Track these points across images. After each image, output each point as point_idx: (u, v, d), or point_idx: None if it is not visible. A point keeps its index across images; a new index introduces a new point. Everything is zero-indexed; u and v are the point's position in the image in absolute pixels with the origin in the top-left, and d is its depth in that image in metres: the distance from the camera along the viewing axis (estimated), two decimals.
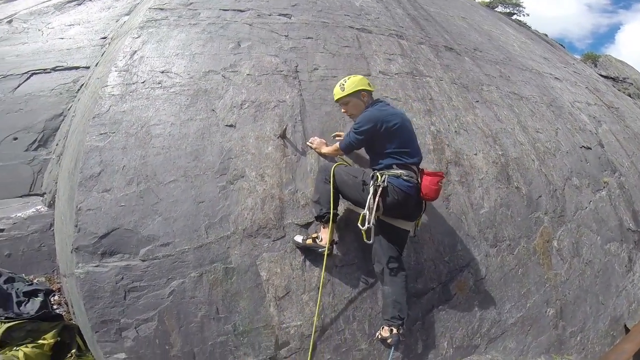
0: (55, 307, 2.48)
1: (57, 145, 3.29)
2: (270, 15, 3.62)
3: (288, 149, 2.77)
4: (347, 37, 3.91)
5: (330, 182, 2.29)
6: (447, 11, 6.53)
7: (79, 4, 4.46)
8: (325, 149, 2.75)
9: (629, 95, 10.85)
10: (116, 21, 4.10)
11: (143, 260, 2.02)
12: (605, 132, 5.89)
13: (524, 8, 13.36)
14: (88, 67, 3.69)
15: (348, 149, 2.54)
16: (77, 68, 3.71)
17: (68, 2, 4.53)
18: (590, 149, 5.07)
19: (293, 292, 2.25)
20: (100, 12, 4.30)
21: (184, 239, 2.17)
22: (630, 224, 4.77)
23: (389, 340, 2.16)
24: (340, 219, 2.61)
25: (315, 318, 2.13)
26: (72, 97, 3.53)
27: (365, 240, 2.15)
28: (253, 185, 2.51)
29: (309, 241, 2.30)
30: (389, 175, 2.23)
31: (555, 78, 6.55)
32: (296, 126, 2.90)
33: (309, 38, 3.58)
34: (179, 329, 1.96)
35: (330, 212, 2.26)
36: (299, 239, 2.35)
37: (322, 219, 2.31)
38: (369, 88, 2.52)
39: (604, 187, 4.77)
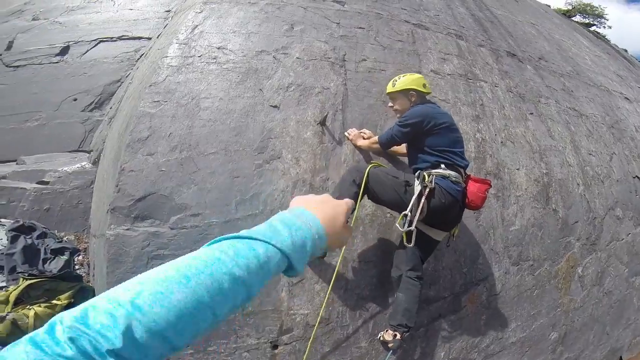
0: (77, 267, 2.33)
1: (111, 108, 3.24)
2: (324, 0, 3.18)
3: (326, 136, 2.52)
4: (402, 30, 3.42)
5: (359, 184, 1.94)
6: (516, 15, 5.53)
7: None
8: (361, 142, 2.44)
9: None
10: None
11: (172, 229, 1.93)
12: None
13: (607, 20, 11.00)
14: (150, 38, 3.58)
15: (389, 142, 2.16)
16: (140, 38, 3.59)
17: None
18: None
19: (307, 280, 2.08)
20: None
21: (214, 211, 2.05)
22: None
23: (390, 345, 1.95)
24: (366, 215, 2.33)
25: (322, 309, 1.93)
26: (131, 65, 3.45)
27: (406, 243, 1.84)
28: (287, 168, 2.32)
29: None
30: (436, 176, 1.88)
31: (625, 98, 5.46)
32: (336, 115, 2.62)
33: (360, 28, 3.17)
34: None
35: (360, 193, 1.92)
36: None
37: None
38: (421, 89, 2.15)
39: None
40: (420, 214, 1.81)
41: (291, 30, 2.79)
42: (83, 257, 2.42)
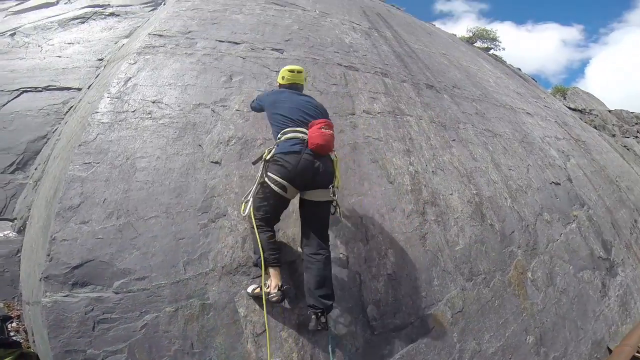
0: (12, 334, 2.38)
1: (35, 169, 3.16)
2: (263, 49, 3.66)
3: None
4: (335, 74, 4.00)
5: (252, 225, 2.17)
6: (430, 47, 6.81)
7: (83, 22, 4.42)
8: None
9: (595, 127, 11.38)
10: (115, 43, 4.08)
11: (116, 293, 1.93)
12: (573, 167, 6.10)
13: (500, 42, 14.07)
14: (80, 89, 3.59)
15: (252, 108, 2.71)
16: (68, 89, 3.59)
17: (72, 19, 4.48)
18: (560, 184, 5.22)
19: (272, 329, 2.16)
20: (102, 32, 4.26)
21: (161, 273, 2.09)
22: (601, 253, 4.87)
23: (310, 327, 2.08)
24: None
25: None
26: (59, 119, 3.40)
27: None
28: (234, 224, 2.46)
29: (257, 290, 2.18)
30: (276, 146, 2.23)
31: (527, 113, 6.82)
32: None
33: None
34: None
35: (261, 257, 2.09)
36: (249, 289, 2.23)
37: (258, 266, 2.18)
38: (280, 81, 2.64)
39: (574, 220, 4.89)
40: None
41: (230, 82, 3.10)
42: (18, 324, 2.50)
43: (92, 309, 1.85)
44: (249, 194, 2.28)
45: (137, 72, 2.94)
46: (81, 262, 1.95)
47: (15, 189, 3.09)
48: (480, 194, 3.89)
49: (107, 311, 1.87)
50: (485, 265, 3.44)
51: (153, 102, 2.80)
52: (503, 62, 11.43)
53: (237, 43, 3.52)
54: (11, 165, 3.16)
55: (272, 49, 3.72)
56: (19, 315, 2.56)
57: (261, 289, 2.12)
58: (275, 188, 2.15)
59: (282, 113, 2.33)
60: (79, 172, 2.26)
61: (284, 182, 2.14)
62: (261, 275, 2.28)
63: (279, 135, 2.27)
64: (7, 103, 3.42)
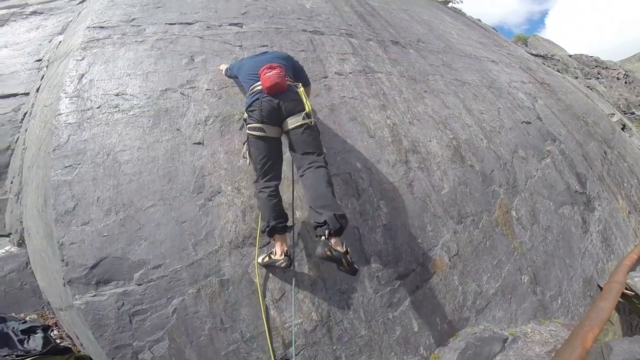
0: (58, 341, 2.62)
1: (12, 182, 3.27)
2: (220, 25, 3.87)
3: None
4: (302, 40, 4.32)
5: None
6: (390, 4, 7.27)
7: (2, 25, 4.35)
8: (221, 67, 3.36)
9: (558, 71, 12.76)
10: (49, 41, 4.08)
11: (139, 284, 2.21)
12: (541, 107, 6.95)
13: None
14: (27, 94, 3.66)
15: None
16: (15, 95, 3.65)
17: None
18: (530, 123, 6.01)
19: (288, 293, 2.57)
20: (29, 32, 4.23)
21: (174, 259, 2.39)
22: (577, 187, 5.72)
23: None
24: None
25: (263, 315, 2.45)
26: (16, 127, 3.48)
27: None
28: (231, 199, 2.78)
29: (267, 259, 2.52)
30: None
31: (492, 61, 7.57)
32: None
33: (263, 46, 3.89)
34: (191, 344, 2.17)
35: (270, 225, 2.44)
36: (260, 259, 2.57)
37: (265, 232, 2.52)
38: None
39: (547, 155, 5.70)
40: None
41: (192, 62, 3.33)
42: (59, 331, 2.74)
43: (123, 304, 2.13)
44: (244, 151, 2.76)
45: (89, 67, 3.09)
46: (96, 262, 2.20)
47: None
48: (457, 137, 4.46)
49: (136, 303, 2.16)
50: (472, 206, 4.06)
51: (117, 95, 3.00)
52: (463, 14, 12.32)
53: (189, 23, 3.71)
54: None
55: (230, 24, 3.94)
56: (56, 322, 2.82)
57: (269, 257, 2.50)
58: (256, 132, 2.60)
59: (244, 75, 2.88)
60: (62, 176, 2.45)
61: (259, 125, 2.60)
62: (268, 243, 2.70)
63: (246, 95, 2.80)
64: None
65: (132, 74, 3.16)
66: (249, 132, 2.64)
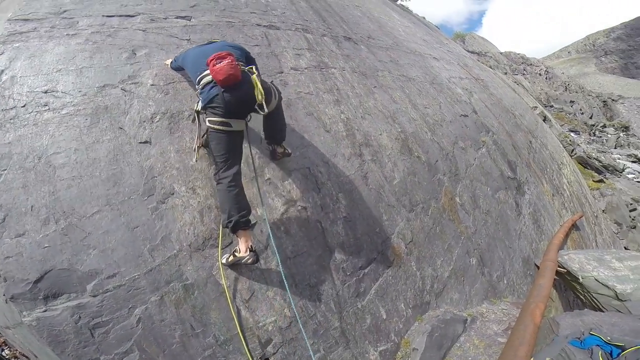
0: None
1: None
2: (166, 18, 3.69)
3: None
4: (256, 35, 4.29)
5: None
6: (344, 0, 7.53)
7: None
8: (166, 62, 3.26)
9: (490, 67, 14.18)
10: None
11: (94, 296, 2.06)
12: (476, 101, 7.67)
13: None
14: None
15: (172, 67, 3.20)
16: None
17: None
18: (467, 116, 6.61)
19: (257, 291, 2.55)
20: None
21: (129, 266, 2.25)
22: (509, 173, 6.42)
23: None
24: (278, 212, 2.99)
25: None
26: None
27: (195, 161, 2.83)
28: (186, 200, 2.69)
29: (231, 258, 2.48)
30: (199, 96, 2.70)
31: (434, 58, 8.21)
32: None
33: (214, 40, 3.78)
34: (163, 353, 2.09)
35: (232, 219, 2.43)
36: (223, 260, 2.53)
37: (226, 227, 2.50)
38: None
39: (483, 145, 6.32)
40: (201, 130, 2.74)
41: (134, 57, 3.14)
42: (10, 351, 2.65)
43: (80, 317, 1.99)
44: (195, 141, 2.75)
45: (10, 62, 2.78)
46: (40, 275, 2.01)
47: None
48: (405, 130, 4.79)
49: (95, 315, 2.02)
50: (421, 195, 4.36)
51: (45, 93, 2.73)
52: (409, 12, 13.18)
53: (131, 16, 3.48)
54: None
55: (177, 17, 3.77)
56: (4, 341, 2.67)
57: (234, 255, 2.47)
58: (220, 127, 2.55)
59: (190, 65, 2.81)
60: None
61: (223, 120, 2.54)
62: (231, 243, 2.64)
63: (196, 86, 2.73)
64: None
65: (63, 69, 2.90)
66: (211, 125, 2.57)
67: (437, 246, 4.18)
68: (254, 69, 2.71)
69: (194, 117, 2.84)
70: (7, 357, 2.50)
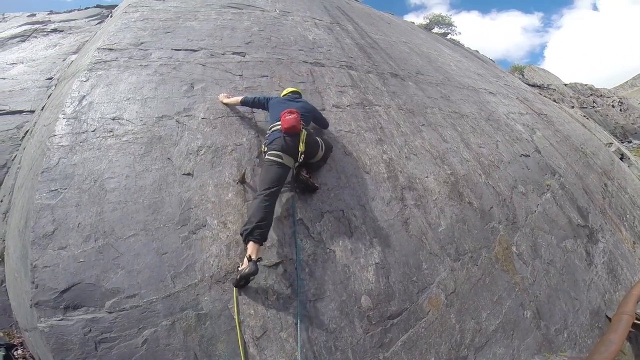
0: None
1: (1, 201, 3.20)
2: (224, 54, 3.88)
3: (248, 193, 2.96)
4: (302, 72, 4.33)
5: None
6: (391, 37, 7.39)
7: (23, 41, 4.41)
8: (227, 100, 3.38)
9: (554, 101, 12.71)
10: (63, 60, 4.11)
11: (110, 312, 2.08)
12: (539, 139, 6.82)
13: (456, 27, 15.72)
14: (33, 111, 3.61)
15: (245, 102, 3.39)
16: (20, 112, 3.59)
17: (11, 37, 4.46)
18: (529, 156, 5.85)
19: (270, 331, 2.37)
20: (46, 49, 4.27)
21: (150, 289, 2.24)
22: (579, 220, 5.48)
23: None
24: (305, 254, 2.78)
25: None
26: (16, 145, 3.41)
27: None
28: (216, 233, 2.65)
29: (237, 277, 2.42)
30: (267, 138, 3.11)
31: (490, 92, 7.54)
32: (255, 169, 3.11)
33: (264, 76, 3.88)
34: None
35: (249, 227, 2.54)
36: (233, 281, 2.48)
37: (241, 235, 2.60)
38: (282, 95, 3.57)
39: (548, 189, 5.50)
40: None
41: (191, 90, 3.28)
42: (23, 351, 2.68)
43: (90, 330, 2.00)
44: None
45: (91, 89, 3.06)
46: (68, 286, 2.08)
47: None
48: (455, 173, 4.31)
49: (105, 331, 2.02)
50: (470, 243, 3.85)
51: (113, 119, 2.94)
52: (461, 46, 12.55)
53: (194, 50, 3.71)
54: None
55: (233, 53, 3.95)
56: (22, 342, 2.74)
57: (237, 271, 2.44)
58: (274, 158, 2.90)
59: (272, 111, 3.24)
60: (46, 200, 2.37)
61: (278, 153, 2.91)
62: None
63: (267, 131, 3.18)
64: None
65: (131, 98, 3.12)
66: (268, 157, 2.93)
67: (485, 298, 3.61)
68: (308, 128, 3.22)
69: (258, 153, 3.14)
70: (17, 356, 2.58)
